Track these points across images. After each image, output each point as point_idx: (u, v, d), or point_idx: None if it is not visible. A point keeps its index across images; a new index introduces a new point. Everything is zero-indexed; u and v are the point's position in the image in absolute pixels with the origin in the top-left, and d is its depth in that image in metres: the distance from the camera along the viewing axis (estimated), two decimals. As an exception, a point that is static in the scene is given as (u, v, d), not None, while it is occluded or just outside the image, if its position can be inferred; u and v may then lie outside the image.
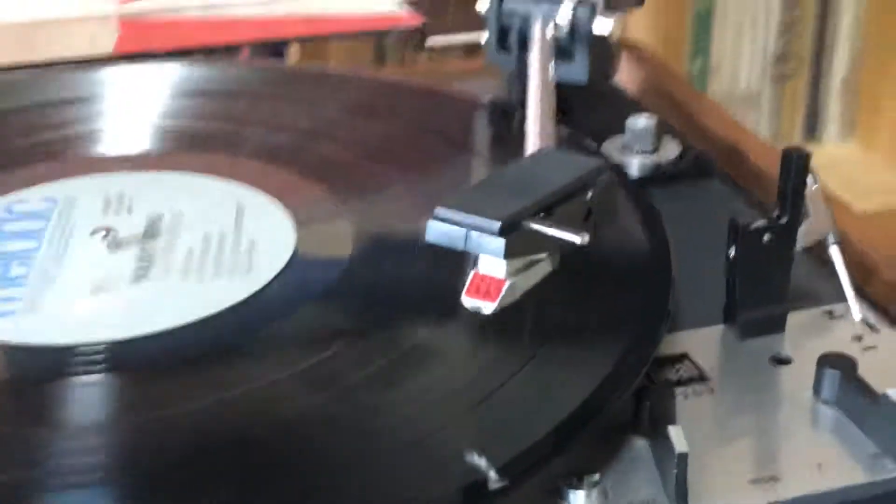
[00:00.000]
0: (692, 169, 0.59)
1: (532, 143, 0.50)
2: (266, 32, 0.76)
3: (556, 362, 0.43)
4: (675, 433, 0.39)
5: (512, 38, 0.63)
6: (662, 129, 0.60)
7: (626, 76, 0.69)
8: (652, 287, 0.46)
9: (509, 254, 0.39)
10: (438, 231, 0.40)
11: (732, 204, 0.57)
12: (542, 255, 0.42)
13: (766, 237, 0.46)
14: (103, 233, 0.49)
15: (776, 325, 0.47)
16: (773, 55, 1.20)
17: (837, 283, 0.49)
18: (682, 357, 0.46)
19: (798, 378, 0.45)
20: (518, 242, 0.39)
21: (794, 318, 0.48)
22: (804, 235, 0.47)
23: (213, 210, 0.52)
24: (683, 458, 0.38)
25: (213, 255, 0.48)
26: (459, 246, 0.40)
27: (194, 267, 0.48)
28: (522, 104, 0.61)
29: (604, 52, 0.62)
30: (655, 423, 0.41)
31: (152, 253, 0.49)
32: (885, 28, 1.17)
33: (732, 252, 0.46)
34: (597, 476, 0.40)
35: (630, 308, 0.45)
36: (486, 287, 0.40)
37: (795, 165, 0.45)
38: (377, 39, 0.76)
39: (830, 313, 0.49)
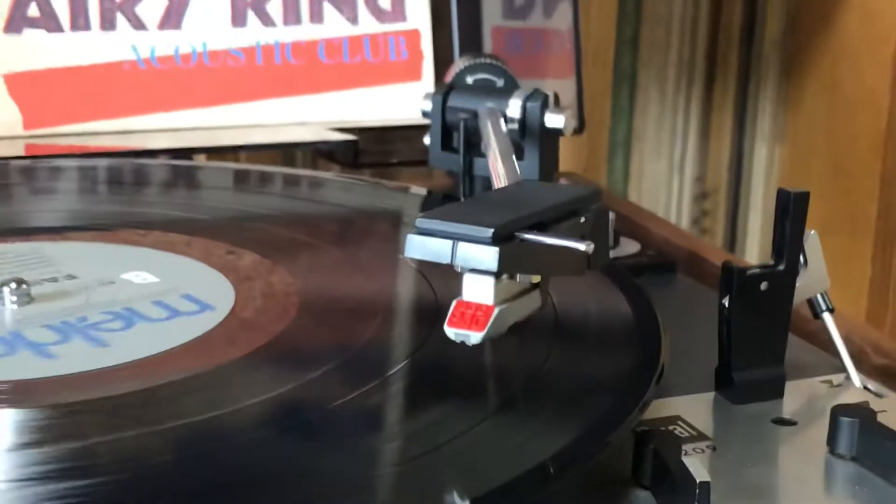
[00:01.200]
0: (654, 264, 0.55)
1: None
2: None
3: (552, 406, 0.37)
4: (692, 463, 0.34)
5: (457, 138, 0.59)
6: (618, 228, 0.56)
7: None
8: (642, 340, 0.42)
9: (503, 267, 0.34)
10: (420, 245, 0.34)
11: (698, 295, 0.53)
12: (534, 281, 0.37)
13: (763, 285, 0.42)
14: (13, 285, 0.43)
15: (774, 389, 0.43)
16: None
17: (825, 357, 0.45)
18: (675, 419, 0.41)
19: (807, 437, 0.40)
20: (512, 256, 0.34)
21: (791, 387, 0.43)
22: (801, 288, 0.43)
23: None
24: (705, 487, 0.33)
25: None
26: (445, 260, 0.34)
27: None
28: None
29: (552, 153, 0.59)
30: (661, 467, 0.35)
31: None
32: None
33: (727, 302, 0.42)
34: (600, 521, 0.34)
35: (623, 358, 0.40)
36: (472, 315, 0.35)
37: (794, 206, 0.41)
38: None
39: (829, 382, 0.44)
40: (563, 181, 0.68)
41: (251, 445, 0.34)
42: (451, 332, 0.35)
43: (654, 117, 1.16)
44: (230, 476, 0.32)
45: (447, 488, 0.32)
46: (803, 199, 0.41)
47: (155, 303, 0.43)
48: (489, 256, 0.34)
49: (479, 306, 0.35)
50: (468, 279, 0.35)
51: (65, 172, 0.63)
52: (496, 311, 0.35)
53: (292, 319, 0.42)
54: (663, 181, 1.17)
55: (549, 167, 0.58)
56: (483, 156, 0.58)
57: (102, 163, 0.65)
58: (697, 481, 0.33)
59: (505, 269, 0.34)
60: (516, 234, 0.35)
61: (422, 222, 0.35)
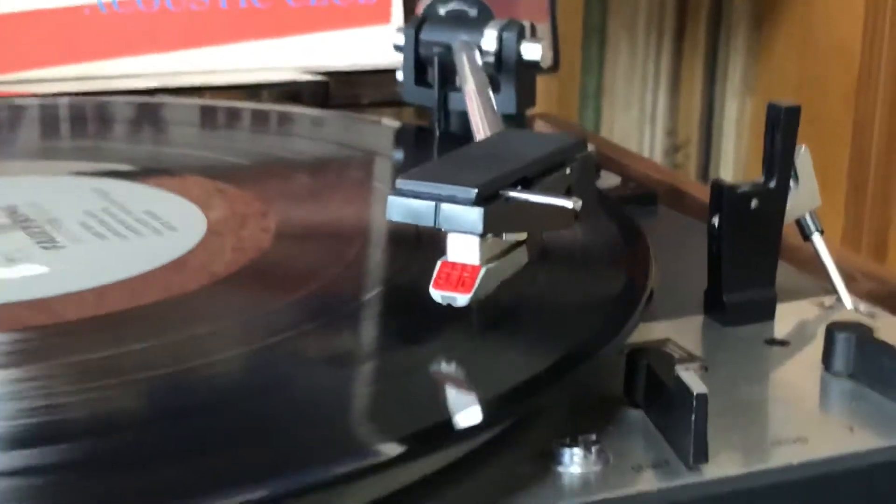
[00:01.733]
0: (636, 196, 0.54)
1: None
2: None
3: (541, 325, 0.36)
4: (688, 376, 0.32)
5: (431, 73, 0.58)
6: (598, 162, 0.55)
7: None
8: (632, 261, 0.40)
9: (488, 228, 0.32)
10: (402, 207, 0.33)
11: (682, 225, 0.52)
12: (521, 238, 0.35)
13: (753, 203, 0.40)
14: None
15: (765, 311, 0.41)
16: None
17: (814, 282, 0.44)
18: (665, 341, 0.40)
19: (801, 357, 0.39)
20: (497, 216, 0.33)
21: (781, 310, 0.42)
22: (792, 206, 0.41)
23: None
24: (703, 399, 0.31)
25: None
26: (428, 222, 0.33)
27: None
28: (446, 134, 0.56)
29: (528, 86, 0.58)
30: (655, 383, 0.34)
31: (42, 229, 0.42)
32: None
33: (716, 220, 0.40)
34: (594, 436, 0.33)
35: (613, 277, 0.39)
36: (458, 276, 0.33)
37: (785, 120, 0.40)
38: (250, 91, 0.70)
39: (821, 304, 0.43)
40: (539, 123, 0.66)
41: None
42: (437, 294, 0.34)
43: (624, 70, 1.15)
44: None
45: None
46: (794, 113, 0.40)
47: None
48: (474, 218, 0.32)
49: (464, 267, 0.34)
50: (452, 239, 0.34)
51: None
52: (483, 270, 0.33)
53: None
54: (634, 133, 1.16)
55: (525, 101, 0.57)
56: (458, 90, 0.56)
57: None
58: (695, 393, 0.32)
59: (490, 229, 0.33)
60: (501, 192, 0.33)
61: (402, 183, 0.33)
